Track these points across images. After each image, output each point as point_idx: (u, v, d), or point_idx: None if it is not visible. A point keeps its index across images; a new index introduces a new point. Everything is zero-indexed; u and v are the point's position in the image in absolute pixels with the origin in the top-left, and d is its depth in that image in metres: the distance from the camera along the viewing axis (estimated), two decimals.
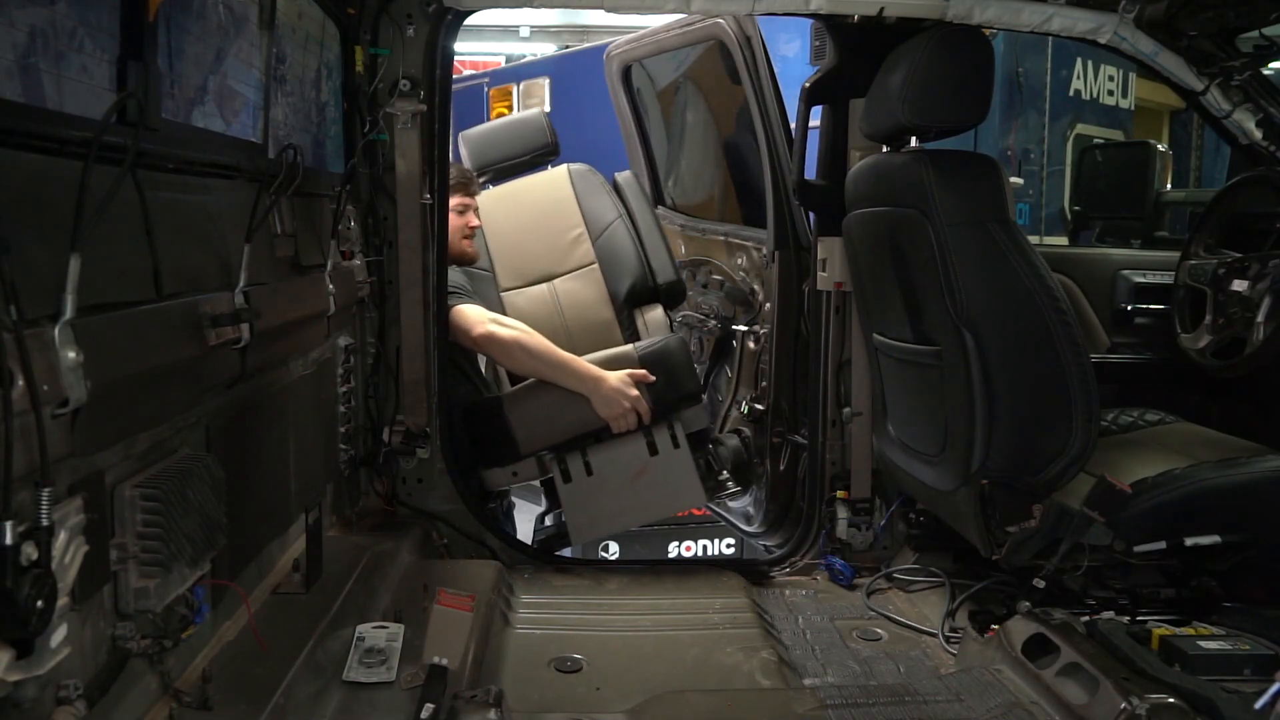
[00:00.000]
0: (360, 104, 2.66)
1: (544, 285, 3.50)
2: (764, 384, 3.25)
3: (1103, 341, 2.99)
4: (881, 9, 2.52)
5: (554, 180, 3.63)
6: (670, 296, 3.53)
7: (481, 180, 3.56)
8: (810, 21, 3.53)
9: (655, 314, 3.46)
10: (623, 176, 3.70)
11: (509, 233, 3.52)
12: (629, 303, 3.44)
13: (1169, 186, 4.29)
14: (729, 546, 4.34)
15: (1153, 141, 4.93)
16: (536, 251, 3.51)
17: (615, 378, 2.82)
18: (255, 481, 1.99)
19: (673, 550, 4.41)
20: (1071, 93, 6.39)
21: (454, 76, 2.91)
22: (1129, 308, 2.99)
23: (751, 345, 3.38)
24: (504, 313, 3.31)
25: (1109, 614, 2.09)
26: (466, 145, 3.65)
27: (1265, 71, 2.64)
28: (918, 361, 2.46)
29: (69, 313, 1.19)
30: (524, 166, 3.69)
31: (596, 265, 3.48)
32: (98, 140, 1.22)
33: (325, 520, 2.43)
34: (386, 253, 2.80)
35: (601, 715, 2.00)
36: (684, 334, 3.73)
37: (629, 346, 2.95)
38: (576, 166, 3.65)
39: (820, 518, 2.98)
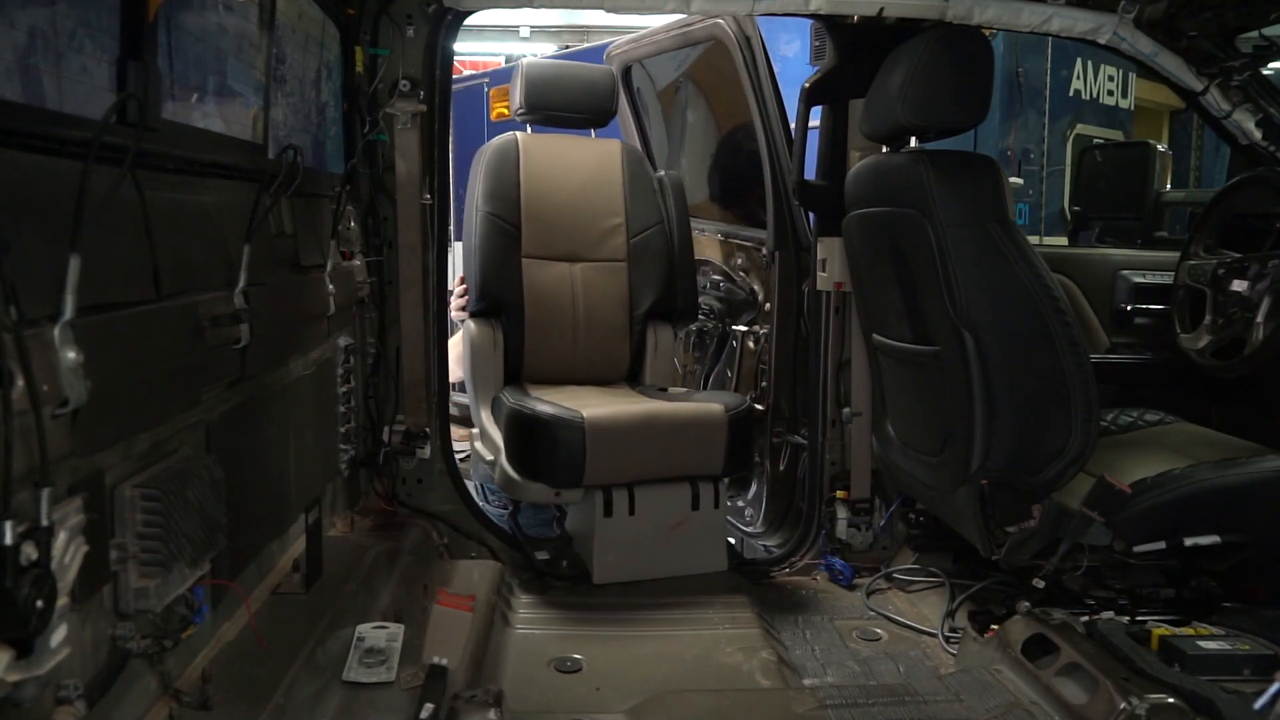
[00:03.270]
0: (360, 104, 2.66)
1: (567, 265, 3.30)
2: (764, 384, 3.25)
3: (1103, 341, 2.99)
4: (881, 9, 2.52)
5: (606, 156, 3.41)
6: (684, 316, 3.43)
7: (524, 116, 3.38)
8: (810, 21, 3.51)
9: (666, 334, 3.35)
10: (670, 176, 3.48)
11: (546, 192, 3.29)
12: (647, 315, 3.31)
13: (1169, 186, 4.28)
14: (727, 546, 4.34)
15: (1153, 141, 4.92)
16: (569, 227, 3.30)
17: None
18: (255, 481, 1.99)
19: None
20: (1071, 93, 6.39)
21: (454, 76, 2.91)
22: (1129, 308, 2.99)
23: (751, 345, 3.38)
24: (521, 279, 3.21)
25: (1109, 614, 2.10)
26: (527, 77, 3.33)
27: (1265, 71, 2.64)
28: (917, 361, 2.46)
29: (69, 313, 1.18)
30: (574, 123, 3.43)
31: (626, 265, 3.32)
32: (98, 140, 1.22)
33: (325, 520, 2.43)
34: (386, 253, 2.80)
35: (601, 715, 2.00)
36: (683, 337, 3.70)
37: (719, 406, 2.81)
38: (631, 149, 3.47)
39: (820, 518, 2.99)
